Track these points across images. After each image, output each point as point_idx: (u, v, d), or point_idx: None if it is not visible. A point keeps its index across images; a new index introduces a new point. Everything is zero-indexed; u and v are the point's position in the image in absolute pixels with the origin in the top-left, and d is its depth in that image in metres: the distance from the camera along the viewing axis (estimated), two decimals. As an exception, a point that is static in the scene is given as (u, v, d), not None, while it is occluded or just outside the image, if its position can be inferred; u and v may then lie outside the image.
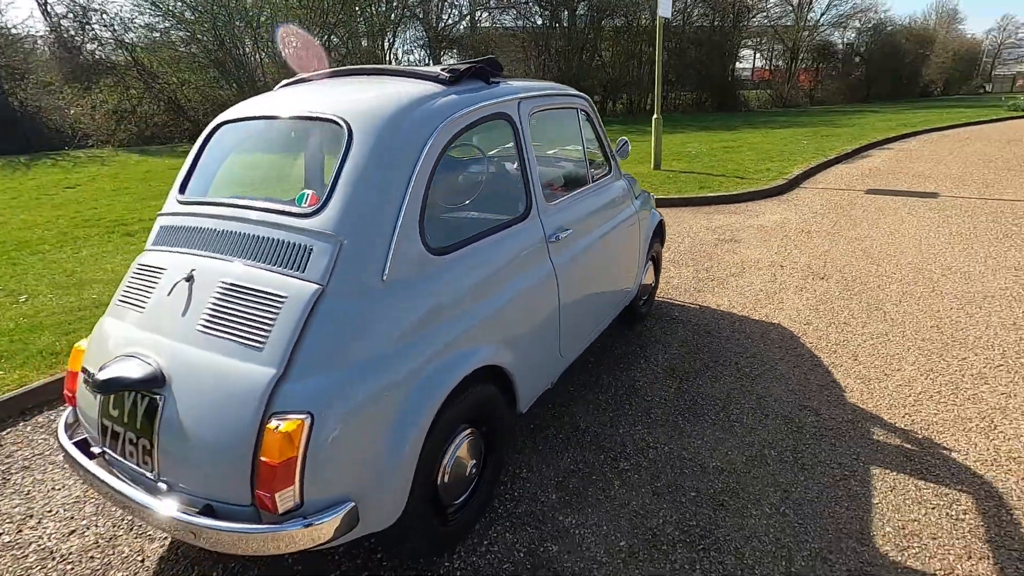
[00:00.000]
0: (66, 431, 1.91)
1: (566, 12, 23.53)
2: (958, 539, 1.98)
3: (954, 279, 4.47)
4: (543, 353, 2.34)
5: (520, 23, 23.53)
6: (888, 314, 3.86)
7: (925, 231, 5.87)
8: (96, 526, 2.13)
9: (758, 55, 29.90)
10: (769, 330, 3.67)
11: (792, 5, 30.06)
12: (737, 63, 29.80)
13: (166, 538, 2.06)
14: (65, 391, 1.98)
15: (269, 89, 2.40)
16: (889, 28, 34.13)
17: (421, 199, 1.79)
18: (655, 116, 9.44)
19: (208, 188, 2.09)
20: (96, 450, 1.79)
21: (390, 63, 19.71)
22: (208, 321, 1.68)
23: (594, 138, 3.08)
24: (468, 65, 2.16)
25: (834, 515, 2.09)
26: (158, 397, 1.62)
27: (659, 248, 3.88)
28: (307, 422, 1.48)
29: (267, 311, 1.62)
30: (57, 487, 2.35)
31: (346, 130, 1.80)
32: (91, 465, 1.73)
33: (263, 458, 1.46)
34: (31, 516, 2.20)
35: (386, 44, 20.51)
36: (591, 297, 2.72)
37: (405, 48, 22.63)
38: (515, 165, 2.38)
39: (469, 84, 2.15)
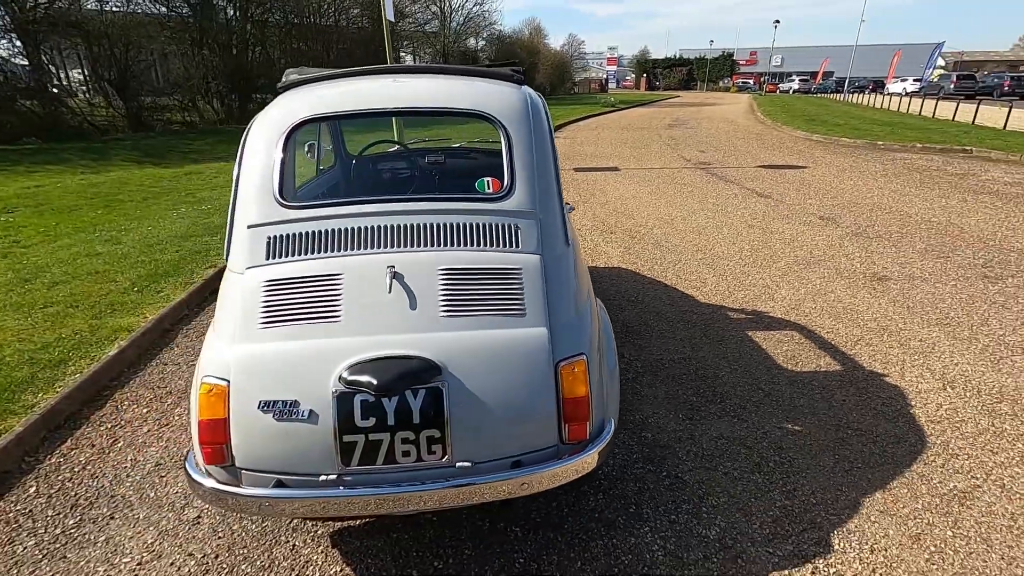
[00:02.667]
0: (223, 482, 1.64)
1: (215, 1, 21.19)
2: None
3: (684, 220, 6.54)
4: None
5: (162, 9, 20.15)
6: (669, 248, 5.52)
7: (639, 193, 8.13)
8: None
9: (416, 59, 32.57)
10: (611, 271, 4.87)
11: (436, 12, 33.64)
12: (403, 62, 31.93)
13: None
14: (203, 448, 1.64)
15: None
16: (508, 39, 41.55)
17: (559, 174, 2.10)
18: (395, 114, 9.92)
19: (337, 189, 1.92)
20: (329, 477, 1.62)
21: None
22: (449, 305, 1.72)
23: None
24: (515, 69, 2.48)
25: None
26: (439, 384, 1.63)
27: None
28: (585, 360, 1.77)
29: (512, 283, 1.77)
30: None
31: (498, 122, 2.01)
32: (347, 491, 1.60)
33: (568, 397, 1.70)
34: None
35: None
36: None
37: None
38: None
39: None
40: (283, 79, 2.41)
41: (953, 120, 17.87)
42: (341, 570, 1.93)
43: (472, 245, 1.84)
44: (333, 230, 1.83)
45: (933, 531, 2.06)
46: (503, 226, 1.88)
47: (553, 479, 1.70)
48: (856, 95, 38.21)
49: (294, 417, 1.63)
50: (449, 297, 1.74)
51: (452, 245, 1.83)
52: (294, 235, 1.83)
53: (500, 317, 1.74)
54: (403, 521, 2.11)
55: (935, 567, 1.92)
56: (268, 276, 1.78)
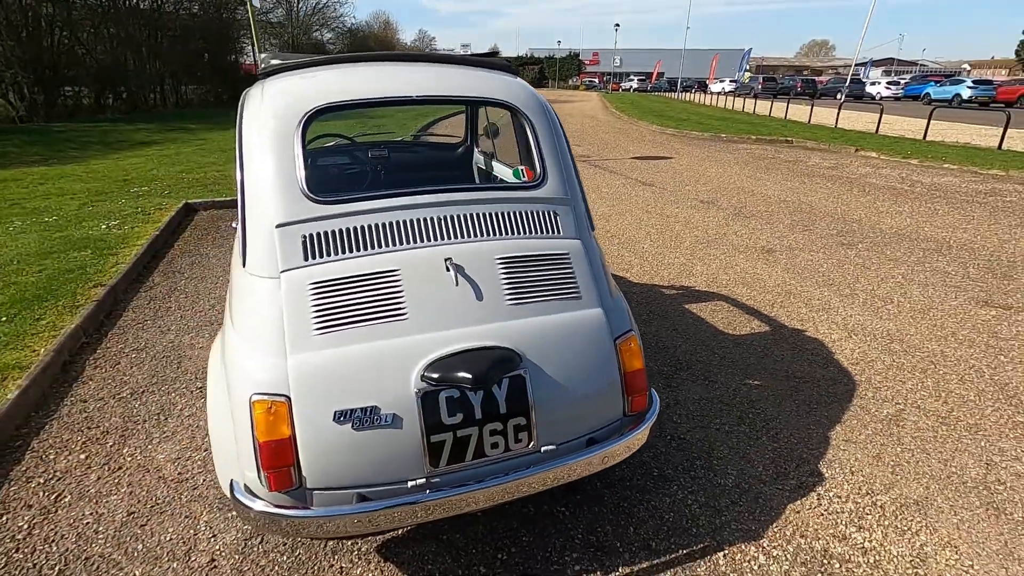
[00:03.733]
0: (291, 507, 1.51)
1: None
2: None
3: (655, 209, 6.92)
4: None
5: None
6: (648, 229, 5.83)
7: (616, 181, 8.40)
8: None
9: (262, 51, 29.98)
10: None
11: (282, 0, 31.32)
12: (245, 57, 29.28)
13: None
14: (269, 474, 1.48)
15: None
16: (360, 33, 40.05)
17: (574, 162, 2.16)
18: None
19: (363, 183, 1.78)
20: (417, 482, 1.54)
21: None
22: (512, 293, 1.73)
23: None
24: (501, 59, 2.47)
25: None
26: (522, 372, 1.62)
27: None
28: (636, 336, 1.88)
29: (564, 268, 1.82)
30: None
31: (520, 111, 2.02)
32: (441, 493, 1.53)
33: (628, 371, 1.79)
34: None
35: None
36: None
37: None
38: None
39: None
40: (260, 64, 2.18)
41: (769, 116, 20.87)
42: (405, 582, 1.84)
43: (521, 233, 1.85)
44: (379, 224, 1.73)
45: (887, 449, 2.50)
46: (543, 213, 1.91)
47: (628, 450, 1.79)
48: (686, 94, 42.87)
49: (376, 424, 1.53)
50: (511, 285, 1.75)
51: (503, 234, 1.83)
52: (334, 232, 1.70)
53: (559, 301, 1.78)
54: (449, 523, 2.05)
55: (898, 475, 2.33)
56: (313, 278, 1.63)
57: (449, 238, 1.77)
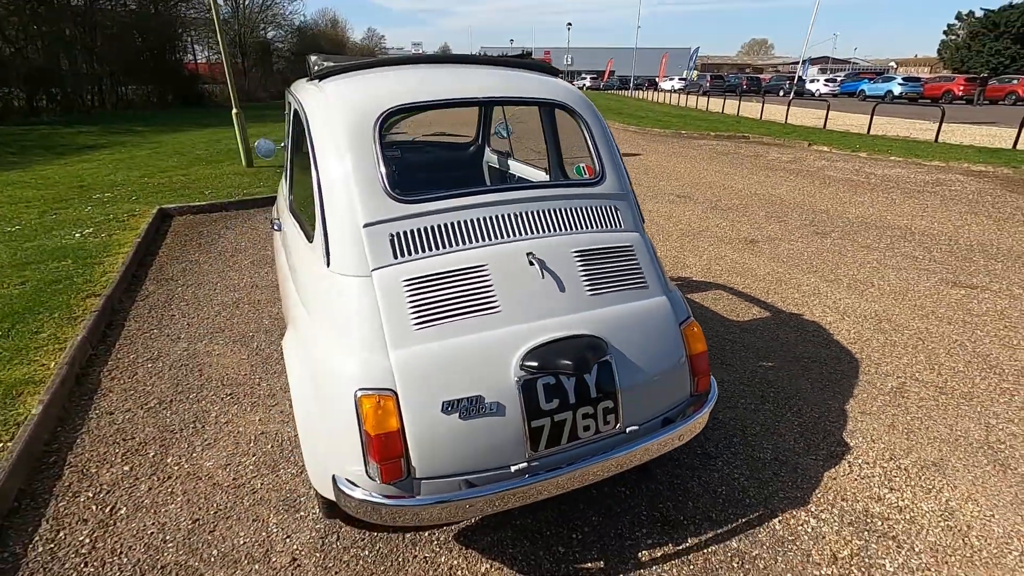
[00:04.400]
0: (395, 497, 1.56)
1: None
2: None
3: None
4: None
5: None
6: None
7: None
8: None
9: (208, 49, 28.83)
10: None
11: (225, -2, 30.12)
12: (189, 55, 28.08)
13: None
14: (382, 466, 1.53)
15: None
16: (310, 31, 39.01)
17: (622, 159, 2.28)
18: (235, 111, 8.90)
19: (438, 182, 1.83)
20: (519, 466, 1.62)
21: None
22: (591, 284, 1.84)
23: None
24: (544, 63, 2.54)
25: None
26: (609, 357, 1.72)
27: None
28: (695, 322, 2.00)
29: (630, 259, 1.95)
30: None
31: (576, 111, 2.12)
32: (540, 476, 1.62)
33: (693, 353, 1.92)
34: None
35: None
36: None
37: None
38: None
39: None
40: (312, 66, 2.19)
41: (722, 112, 21.67)
42: (492, 567, 1.90)
43: (590, 227, 1.95)
44: (462, 221, 1.79)
45: (897, 418, 2.73)
46: (606, 208, 2.02)
47: (697, 427, 1.92)
48: (638, 92, 43.89)
49: (481, 413, 1.60)
50: (588, 276, 1.84)
51: (575, 228, 1.92)
52: (421, 230, 1.75)
53: (630, 291, 1.89)
54: (519, 510, 2.13)
55: (913, 440, 2.56)
56: (406, 275, 1.68)
57: (527, 233, 1.85)
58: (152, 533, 2.04)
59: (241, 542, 2.00)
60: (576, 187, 2.03)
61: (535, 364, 1.63)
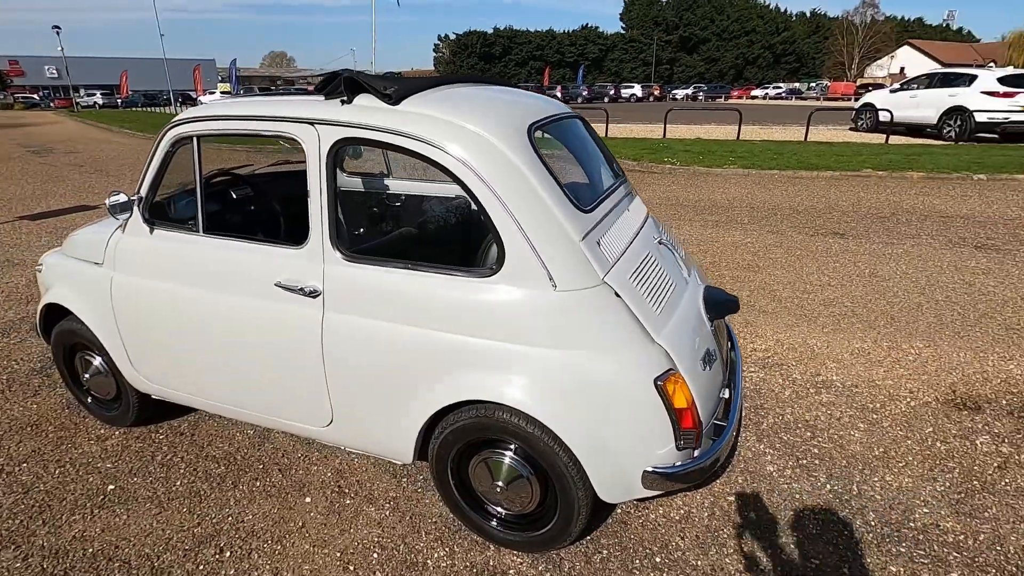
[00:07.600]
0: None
1: None
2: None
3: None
4: None
5: None
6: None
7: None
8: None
9: None
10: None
11: None
12: None
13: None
14: (695, 431, 1.81)
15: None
16: None
17: None
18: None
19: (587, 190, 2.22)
20: (725, 396, 2.07)
21: None
22: (684, 264, 2.40)
23: None
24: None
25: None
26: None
27: None
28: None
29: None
30: None
31: (585, 121, 2.59)
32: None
33: None
34: None
35: None
36: None
37: None
38: None
39: None
40: (382, 87, 1.90)
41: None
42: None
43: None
44: (617, 223, 2.12)
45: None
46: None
47: None
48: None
49: (711, 360, 2.00)
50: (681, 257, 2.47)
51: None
52: (605, 234, 1.96)
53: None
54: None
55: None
56: (626, 273, 1.88)
57: (636, 227, 2.25)
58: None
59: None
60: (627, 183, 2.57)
61: (711, 315, 2.15)
